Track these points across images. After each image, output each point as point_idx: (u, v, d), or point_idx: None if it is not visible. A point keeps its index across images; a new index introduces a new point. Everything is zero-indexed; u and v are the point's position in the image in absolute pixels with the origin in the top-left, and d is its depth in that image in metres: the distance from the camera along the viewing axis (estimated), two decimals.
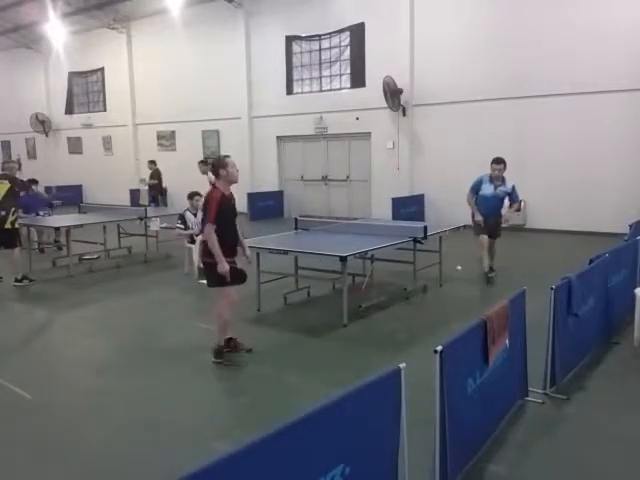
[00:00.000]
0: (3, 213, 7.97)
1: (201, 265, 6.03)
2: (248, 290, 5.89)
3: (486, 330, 3.28)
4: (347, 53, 14.74)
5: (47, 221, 10.00)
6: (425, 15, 13.19)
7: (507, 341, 3.59)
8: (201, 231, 8.12)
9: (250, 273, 5.28)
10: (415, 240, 6.67)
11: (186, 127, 18.19)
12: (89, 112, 21.34)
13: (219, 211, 4.75)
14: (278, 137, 16.39)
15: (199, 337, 5.76)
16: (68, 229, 8.84)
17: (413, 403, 2.78)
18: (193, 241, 8.47)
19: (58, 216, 10.74)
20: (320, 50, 15.17)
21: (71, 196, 18.80)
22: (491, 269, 7.59)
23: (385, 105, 13.64)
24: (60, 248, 10.25)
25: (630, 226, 7.70)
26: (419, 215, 13.01)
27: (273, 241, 6.92)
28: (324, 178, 15.75)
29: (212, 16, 16.52)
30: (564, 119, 11.66)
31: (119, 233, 10.41)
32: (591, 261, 5.02)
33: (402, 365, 2.65)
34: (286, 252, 6.23)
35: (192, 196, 8.86)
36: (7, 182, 8.10)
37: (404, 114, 13.72)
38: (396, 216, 12.14)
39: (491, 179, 7.50)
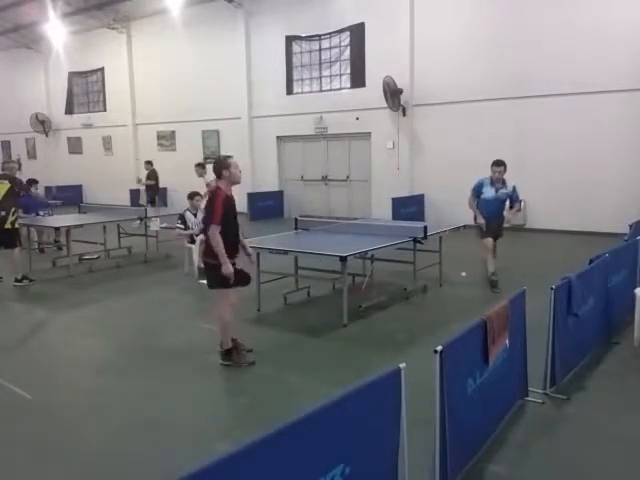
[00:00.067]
0: (3, 213, 7.96)
1: (201, 265, 6.04)
2: (248, 290, 5.87)
3: (486, 330, 3.28)
4: (347, 53, 14.74)
5: (47, 221, 10.00)
6: (425, 15, 13.19)
7: (507, 341, 3.59)
8: (201, 231, 8.19)
9: (250, 273, 5.28)
10: (415, 240, 6.67)
11: (186, 127, 18.19)
12: (89, 112, 21.34)
13: (224, 212, 4.74)
14: (278, 137, 16.39)
15: (199, 337, 5.77)
16: (68, 229, 8.84)
17: (413, 403, 2.78)
18: (193, 241, 8.47)
19: (58, 216, 10.74)
20: (320, 50, 15.17)
21: (71, 196, 18.81)
22: (495, 283, 7.38)
23: (385, 105, 13.64)
24: (60, 248, 10.25)
25: (630, 226, 7.70)
26: (419, 215, 13.01)
27: (273, 241, 6.92)
28: (324, 178, 15.75)
29: (212, 16, 16.52)
30: (564, 119, 11.66)
31: (119, 233, 10.41)
32: (591, 261, 5.02)
33: (402, 365, 2.65)
34: (286, 252, 6.23)
35: (192, 196, 8.87)
36: (7, 182, 8.10)
37: (404, 114, 13.72)
38: (396, 216, 12.14)
39: (492, 182, 7.41)
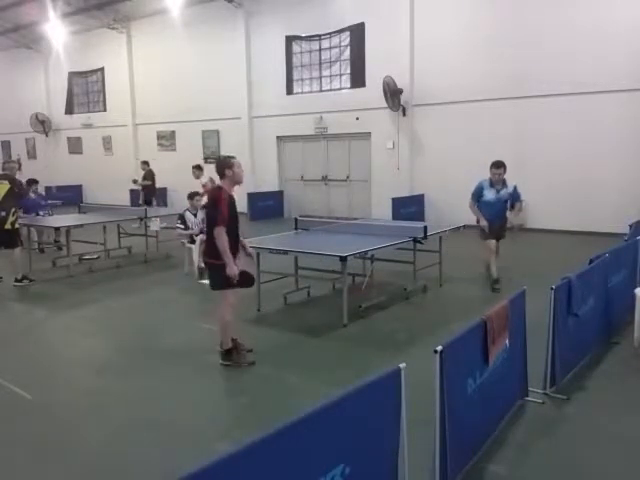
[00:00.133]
0: (3, 214, 7.96)
1: (202, 265, 6.04)
2: (248, 290, 5.87)
3: (486, 330, 3.28)
4: (347, 53, 14.74)
5: (47, 221, 10.00)
6: (425, 15, 13.19)
7: (507, 341, 3.59)
8: (201, 231, 8.20)
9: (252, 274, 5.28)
10: (415, 240, 6.66)
11: (186, 127, 18.19)
12: (89, 112, 21.35)
13: (228, 213, 4.74)
14: (278, 137, 16.39)
15: (199, 337, 5.77)
16: (68, 229, 8.84)
17: (413, 403, 2.78)
18: (193, 241, 8.47)
19: (58, 216, 10.74)
20: (320, 50, 15.17)
21: (71, 196, 18.81)
22: (497, 281, 7.34)
23: (385, 105, 13.64)
24: (60, 248, 10.25)
25: (630, 226, 7.70)
26: (419, 215, 13.01)
27: (273, 241, 6.92)
28: (324, 178, 15.75)
29: (212, 16, 16.52)
30: (564, 119, 11.66)
31: (119, 233, 10.42)
32: (591, 261, 5.01)
33: (402, 365, 2.65)
34: (286, 252, 6.23)
35: (192, 196, 8.87)
36: (7, 182, 8.10)
37: (404, 114, 13.72)
38: (396, 216, 12.14)
39: (491, 183, 7.33)
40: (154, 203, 14.05)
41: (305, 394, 4.37)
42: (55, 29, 18.16)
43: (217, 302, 5.09)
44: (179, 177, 15.84)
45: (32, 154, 23.60)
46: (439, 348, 2.78)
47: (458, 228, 7.71)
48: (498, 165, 7.26)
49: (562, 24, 11.51)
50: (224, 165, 4.89)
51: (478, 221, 7.43)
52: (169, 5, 15.60)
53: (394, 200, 12.74)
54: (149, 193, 14.38)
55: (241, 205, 5.41)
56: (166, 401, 4.35)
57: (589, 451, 3.51)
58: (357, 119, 14.51)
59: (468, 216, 7.85)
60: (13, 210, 8.10)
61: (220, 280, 4.83)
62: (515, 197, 7.45)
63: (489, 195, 7.33)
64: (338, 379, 4.51)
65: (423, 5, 13.21)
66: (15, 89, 23.05)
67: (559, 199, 11.90)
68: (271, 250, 6.25)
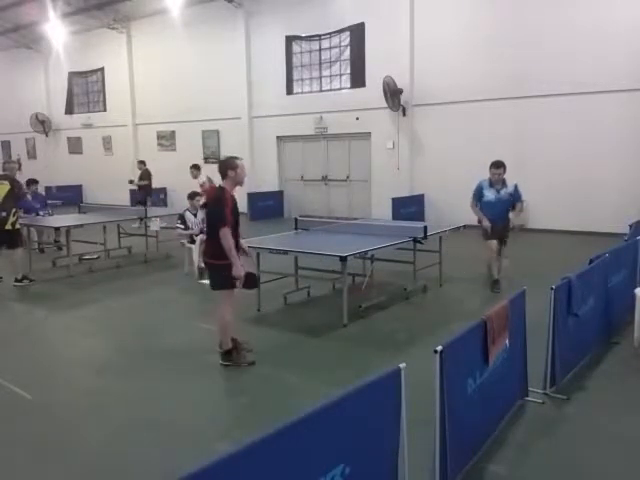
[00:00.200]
0: (4, 214, 7.96)
1: (202, 265, 6.03)
2: (248, 290, 5.88)
3: (486, 330, 3.28)
4: (347, 53, 14.74)
5: (47, 221, 9.99)
6: (425, 15, 13.19)
7: (507, 341, 3.59)
8: (201, 231, 8.19)
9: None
10: (415, 240, 6.66)
11: (186, 127, 18.19)
12: (89, 112, 21.35)
13: (232, 213, 4.74)
14: (278, 137, 16.39)
15: (199, 337, 5.76)
16: (68, 229, 8.84)
17: (413, 403, 2.78)
18: (193, 241, 8.47)
19: (58, 216, 10.74)
20: (320, 50, 15.17)
21: (71, 196, 18.82)
22: (497, 282, 7.32)
23: (385, 105, 13.64)
24: (60, 248, 10.25)
25: (630, 226, 7.69)
26: (419, 215, 13.01)
27: (273, 241, 6.92)
28: (324, 178, 15.75)
29: (212, 16, 16.52)
30: (564, 119, 11.66)
31: (119, 233, 10.42)
32: (591, 261, 5.01)
33: (402, 365, 2.65)
34: (286, 252, 6.23)
35: (192, 196, 8.87)
36: (7, 183, 8.10)
37: (404, 114, 13.72)
38: (396, 216, 12.14)
39: (491, 183, 7.28)
40: (148, 203, 14.06)
41: (305, 394, 4.37)
42: (55, 29, 18.16)
43: (217, 302, 5.09)
44: (179, 177, 15.79)
45: (32, 154, 23.60)
46: (439, 348, 2.78)
47: (458, 228, 7.70)
48: (498, 165, 7.20)
49: (562, 24, 11.51)
50: (228, 166, 4.85)
51: (480, 222, 7.33)
52: (169, 5, 15.61)
53: (394, 200, 12.74)
54: (145, 193, 14.42)
55: (241, 205, 5.40)
56: (166, 401, 4.35)
57: (589, 451, 3.51)
58: (357, 119, 14.51)
59: (468, 216, 7.85)
60: (14, 211, 8.10)
61: (220, 280, 4.82)
62: (516, 197, 7.36)
63: (489, 195, 7.28)
64: (338, 379, 4.51)
65: (423, 5, 13.21)
66: (15, 89, 23.05)
67: (559, 199, 11.90)
68: (271, 250, 6.25)
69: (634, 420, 3.85)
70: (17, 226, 8.20)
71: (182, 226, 8.70)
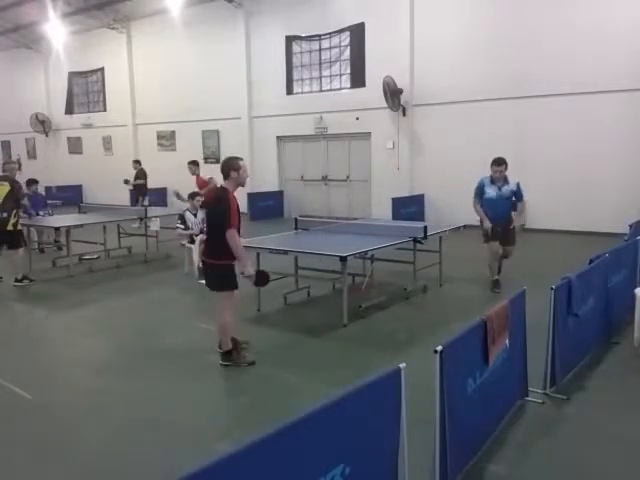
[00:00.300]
0: (4, 215, 7.96)
1: (201, 265, 6.02)
2: (248, 290, 5.89)
3: (486, 330, 3.28)
4: (347, 53, 14.74)
5: (47, 221, 9.99)
6: (425, 15, 13.19)
7: (507, 341, 3.59)
8: (201, 231, 8.19)
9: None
10: (415, 240, 6.66)
11: (186, 127, 18.19)
12: (89, 112, 21.34)
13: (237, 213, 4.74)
14: (278, 137, 16.39)
15: (199, 337, 5.77)
16: (68, 229, 8.84)
17: (413, 403, 2.78)
18: (193, 241, 8.47)
19: (58, 216, 10.74)
20: (320, 50, 15.17)
21: (71, 196, 18.82)
22: (497, 282, 7.30)
23: (385, 105, 13.64)
24: (60, 248, 10.25)
25: (630, 226, 7.69)
26: (419, 215, 13.01)
27: (273, 241, 6.92)
28: (324, 178, 15.75)
29: (212, 16, 16.52)
30: (564, 119, 11.66)
31: (119, 233, 10.42)
32: (591, 261, 5.01)
33: (402, 365, 2.65)
34: (286, 252, 6.23)
35: (193, 196, 8.86)
36: (7, 184, 8.09)
37: (404, 114, 13.72)
38: (396, 216, 12.14)
39: (492, 180, 7.20)
40: (145, 202, 14.09)
41: (305, 394, 4.37)
42: (55, 29, 18.16)
43: (214, 302, 5.09)
44: (179, 177, 15.79)
45: (32, 154, 23.59)
46: (439, 348, 2.78)
47: (458, 228, 7.70)
48: (499, 162, 7.12)
49: (562, 24, 11.51)
50: (231, 167, 4.82)
51: (481, 223, 7.24)
52: (169, 5, 15.61)
53: (394, 200, 12.74)
54: (140, 192, 14.46)
55: (241, 205, 5.40)
56: (166, 401, 4.35)
57: (589, 451, 3.51)
58: (357, 119, 14.51)
59: (468, 216, 7.84)
60: (14, 212, 8.09)
61: (221, 281, 4.82)
62: (518, 196, 7.28)
63: (490, 192, 7.18)
64: (338, 379, 4.51)
65: (423, 5, 13.21)
66: (15, 89, 23.04)
67: (559, 199, 11.90)
68: (271, 250, 6.25)
69: (634, 420, 3.85)
70: (19, 227, 8.20)
71: (182, 226, 8.69)
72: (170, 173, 16.63)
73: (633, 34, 10.83)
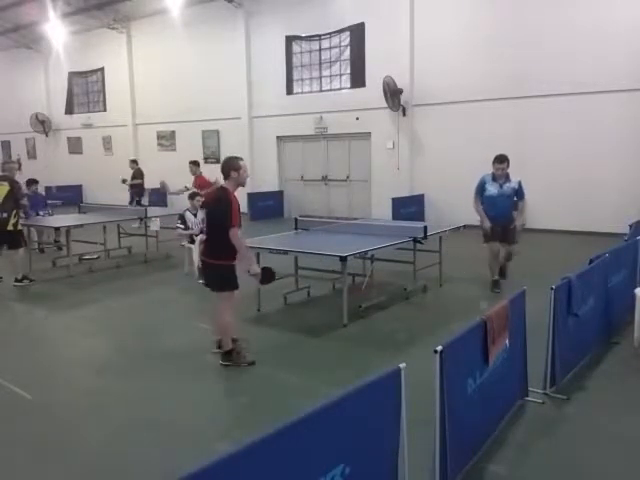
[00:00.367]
0: (4, 215, 7.96)
1: (201, 265, 6.02)
2: (248, 290, 5.89)
3: (486, 330, 3.28)
4: (347, 53, 14.74)
5: (47, 221, 10.00)
6: (425, 15, 13.19)
7: (507, 341, 3.59)
8: (201, 231, 8.19)
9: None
10: (415, 240, 6.66)
11: (186, 127, 18.19)
12: (89, 112, 21.35)
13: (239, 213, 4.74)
14: (278, 137, 16.39)
15: (199, 337, 5.76)
16: (68, 229, 8.84)
17: (413, 403, 2.78)
18: (193, 241, 8.47)
19: (58, 216, 10.74)
20: (320, 50, 15.17)
21: (71, 196, 18.81)
22: (497, 283, 7.28)
23: (385, 105, 13.64)
24: (60, 248, 10.25)
25: (630, 226, 7.69)
26: (419, 215, 13.01)
27: (273, 241, 6.91)
28: (324, 178, 15.75)
29: (212, 16, 16.52)
30: (564, 119, 11.66)
31: (119, 233, 10.42)
32: (591, 261, 5.01)
33: (402, 365, 2.65)
34: (286, 252, 6.23)
35: (193, 196, 8.86)
36: (7, 184, 8.09)
37: (404, 114, 13.72)
38: (396, 216, 12.14)
39: (494, 177, 7.13)
40: (143, 201, 14.08)
41: (305, 394, 4.37)
42: (55, 29, 18.16)
43: (214, 302, 5.08)
44: (179, 177, 15.79)
45: (32, 154, 23.59)
46: (439, 348, 2.78)
47: (458, 228, 7.70)
48: (501, 160, 7.04)
49: (562, 24, 11.51)
50: (231, 167, 4.81)
51: (481, 222, 7.18)
52: (169, 5, 15.61)
53: (394, 200, 12.74)
54: (137, 192, 14.46)
55: (241, 205, 5.40)
56: (166, 401, 4.35)
57: (589, 451, 3.51)
58: (357, 119, 14.51)
59: (468, 216, 7.84)
60: (14, 212, 8.09)
61: (221, 281, 4.82)
62: (520, 194, 7.20)
63: (491, 189, 7.10)
64: (338, 379, 4.51)
65: (423, 5, 13.21)
66: (15, 89, 23.04)
67: (559, 199, 11.90)
68: (271, 250, 6.25)
69: (634, 420, 3.85)
70: (19, 227, 8.20)
71: (182, 226, 8.69)
72: (170, 173, 16.58)
73: (633, 34, 10.83)
